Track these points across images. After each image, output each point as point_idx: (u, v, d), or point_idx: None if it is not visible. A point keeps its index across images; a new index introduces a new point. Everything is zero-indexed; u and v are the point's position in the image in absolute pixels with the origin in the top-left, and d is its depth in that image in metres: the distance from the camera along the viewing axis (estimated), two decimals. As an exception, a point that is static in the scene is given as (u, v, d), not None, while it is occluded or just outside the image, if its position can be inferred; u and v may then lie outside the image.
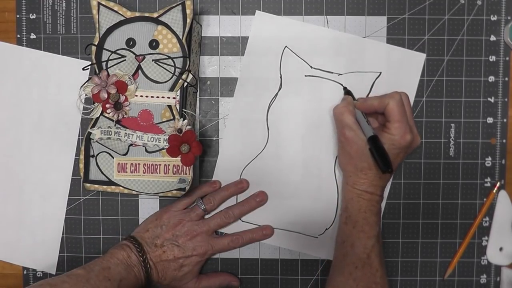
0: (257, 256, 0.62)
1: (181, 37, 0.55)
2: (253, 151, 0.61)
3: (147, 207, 0.62)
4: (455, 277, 0.62)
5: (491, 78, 0.61)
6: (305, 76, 0.61)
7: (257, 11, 0.61)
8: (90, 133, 0.56)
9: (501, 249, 0.62)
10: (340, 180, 0.61)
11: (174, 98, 0.56)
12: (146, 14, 0.56)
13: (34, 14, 0.62)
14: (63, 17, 0.61)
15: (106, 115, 0.56)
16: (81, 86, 0.56)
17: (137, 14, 0.56)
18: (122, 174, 0.56)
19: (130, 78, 0.55)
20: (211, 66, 0.62)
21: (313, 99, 0.61)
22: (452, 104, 0.61)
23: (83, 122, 0.62)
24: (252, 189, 0.61)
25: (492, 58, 0.61)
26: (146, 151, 0.56)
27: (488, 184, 0.62)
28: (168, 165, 0.56)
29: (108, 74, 0.55)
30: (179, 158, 0.55)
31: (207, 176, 0.62)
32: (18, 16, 0.62)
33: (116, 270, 0.54)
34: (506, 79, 0.61)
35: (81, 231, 0.63)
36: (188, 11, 0.55)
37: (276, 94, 0.61)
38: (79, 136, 0.62)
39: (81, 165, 0.57)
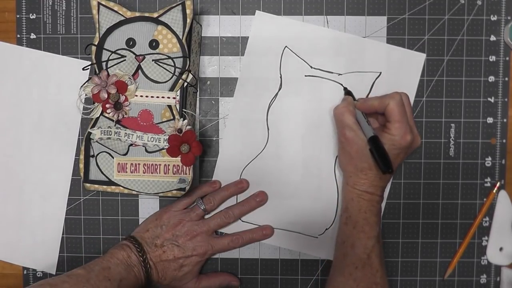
0: (257, 256, 0.62)
1: (181, 37, 0.55)
2: (253, 151, 0.61)
3: (147, 207, 0.62)
4: (455, 277, 0.62)
5: (491, 78, 0.61)
6: (305, 76, 0.61)
7: (257, 11, 0.61)
8: (90, 133, 0.56)
9: (501, 249, 0.62)
10: (340, 180, 0.61)
11: (174, 98, 0.56)
12: (146, 14, 0.55)
13: (34, 14, 0.62)
14: (63, 17, 0.61)
15: (106, 115, 0.56)
16: (81, 86, 0.56)
17: (137, 14, 0.56)
18: (122, 174, 0.56)
19: (130, 78, 0.55)
20: (211, 66, 0.61)
21: (313, 99, 0.61)
22: (452, 104, 0.61)
23: (83, 122, 0.62)
24: (252, 189, 0.61)
25: (492, 58, 0.61)
26: (146, 151, 0.56)
27: (488, 184, 0.62)
28: (168, 165, 0.56)
29: (108, 74, 0.55)
30: (179, 158, 0.55)
31: (207, 176, 0.62)
32: (18, 16, 0.62)
33: (116, 270, 0.54)
34: (506, 79, 0.61)
35: (81, 231, 0.63)
36: (188, 11, 0.55)
37: (276, 94, 0.61)
38: (79, 136, 0.62)
39: (81, 165, 0.57)
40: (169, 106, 0.56)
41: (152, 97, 0.56)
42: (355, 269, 0.53)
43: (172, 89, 0.56)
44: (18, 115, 0.62)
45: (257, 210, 0.61)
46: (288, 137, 0.61)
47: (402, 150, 0.55)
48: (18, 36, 0.62)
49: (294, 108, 0.61)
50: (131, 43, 0.56)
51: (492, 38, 0.61)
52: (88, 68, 0.60)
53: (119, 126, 0.56)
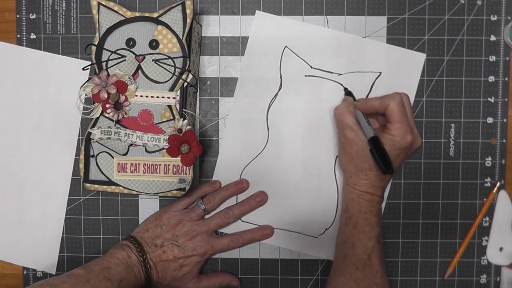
0: (257, 256, 0.63)
1: (181, 37, 0.55)
2: (253, 151, 0.61)
3: (147, 207, 0.62)
4: (455, 277, 0.62)
5: (491, 78, 0.61)
6: (305, 76, 0.61)
7: (257, 11, 0.61)
8: (90, 133, 0.56)
9: (501, 249, 0.62)
10: (340, 180, 0.61)
11: (174, 98, 0.56)
12: (146, 14, 0.55)
13: (34, 14, 0.61)
14: (63, 17, 0.61)
15: (106, 115, 0.56)
16: (81, 86, 0.56)
17: (137, 14, 0.56)
18: (122, 174, 0.56)
19: (130, 78, 0.55)
20: (211, 66, 0.61)
21: (313, 99, 0.61)
22: (452, 104, 0.61)
23: (83, 122, 0.62)
24: (252, 189, 0.61)
25: (492, 58, 0.61)
26: (146, 151, 0.56)
27: (488, 184, 0.62)
28: (168, 165, 0.56)
29: (108, 74, 0.55)
30: (179, 158, 0.55)
31: (207, 176, 0.62)
32: (18, 16, 0.62)
33: (116, 270, 0.54)
34: (506, 79, 0.61)
35: (81, 231, 0.63)
36: (188, 11, 0.54)
37: (276, 94, 0.61)
38: (79, 136, 0.62)
39: (81, 165, 0.57)
40: (169, 106, 0.56)
41: (152, 97, 0.56)
42: (356, 269, 0.53)
43: (172, 89, 0.56)
44: (18, 115, 0.62)
45: (257, 210, 0.61)
46: (288, 137, 0.61)
47: (403, 151, 0.55)
48: (18, 36, 0.62)
49: (294, 108, 0.61)
50: (131, 43, 0.56)
51: (492, 38, 0.61)
52: (88, 68, 0.60)
53: (119, 126, 0.56)
